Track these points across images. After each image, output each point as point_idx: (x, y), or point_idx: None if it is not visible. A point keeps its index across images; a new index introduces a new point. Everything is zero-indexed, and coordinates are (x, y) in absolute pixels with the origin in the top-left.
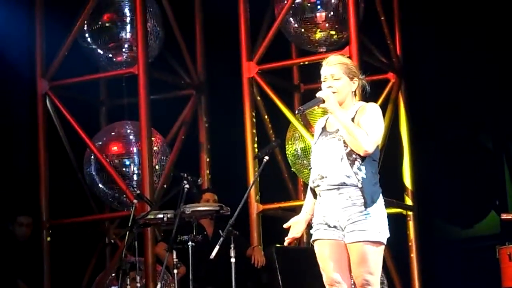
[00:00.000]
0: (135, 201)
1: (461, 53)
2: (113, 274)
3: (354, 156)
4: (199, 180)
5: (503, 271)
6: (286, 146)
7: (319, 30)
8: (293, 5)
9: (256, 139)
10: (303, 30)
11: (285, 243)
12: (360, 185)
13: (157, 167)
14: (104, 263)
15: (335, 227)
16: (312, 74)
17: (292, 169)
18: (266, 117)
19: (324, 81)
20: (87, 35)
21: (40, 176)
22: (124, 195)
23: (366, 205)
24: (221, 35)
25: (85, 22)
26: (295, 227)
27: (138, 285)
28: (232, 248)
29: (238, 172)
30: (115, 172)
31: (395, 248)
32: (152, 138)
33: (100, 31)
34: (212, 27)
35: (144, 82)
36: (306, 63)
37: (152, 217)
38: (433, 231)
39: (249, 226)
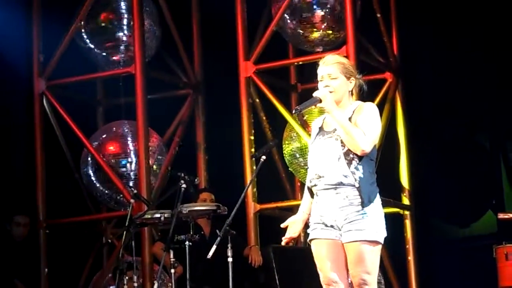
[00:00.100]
0: (132, 200)
1: (458, 53)
2: (110, 274)
3: (351, 155)
4: (196, 180)
5: (500, 270)
6: (283, 146)
7: (316, 29)
8: (290, 4)
9: (253, 138)
10: (300, 29)
11: (283, 243)
12: (357, 185)
13: (154, 166)
14: (101, 263)
15: (332, 226)
16: (309, 74)
17: (289, 168)
18: (263, 116)
19: (321, 80)
20: (84, 34)
21: (37, 175)
22: (121, 195)
23: (363, 204)
24: (218, 34)
25: (82, 21)
26: (292, 227)
27: (135, 284)
28: (229, 247)
29: (235, 172)
30: (112, 171)
31: (392, 248)
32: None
33: (97, 31)
34: (209, 27)
35: (141, 82)
36: (303, 62)
37: (149, 216)
38: (430, 230)
39: (246, 226)
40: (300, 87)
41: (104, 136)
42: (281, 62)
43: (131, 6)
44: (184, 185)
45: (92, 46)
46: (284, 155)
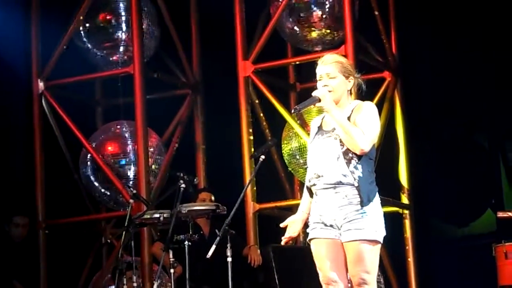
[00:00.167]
0: (131, 200)
1: (457, 53)
2: (109, 274)
3: (350, 155)
4: (195, 180)
5: (500, 269)
6: (282, 146)
7: (314, 29)
8: (288, 4)
9: (252, 138)
10: (298, 29)
11: (282, 243)
12: (356, 184)
13: (153, 166)
14: (101, 263)
15: (331, 226)
16: (308, 73)
17: (288, 168)
18: (262, 116)
19: (319, 80)
20: (82, 35)
21: (36, 176)
22: (120, 195)
23: (363, 204)
24: (216, 34)
25: (81, 22)
26: (291, 227)
27: (135, 284)
28: (229, 247)
29: (234, 172)
30: (111, 172)
31: (392, 247)
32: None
33: (95, 31)
34: (207, 27)
35: (139, 82)
36: (302, 62)
37: (149, 216)
38: (430, 229)
39: (246, 226)
40: (299, 87)
41: (103, 136)
42: (280, 61)
43: (130, 6)
44: (183, 185)
45: (90, 46)
46: (283, 154)
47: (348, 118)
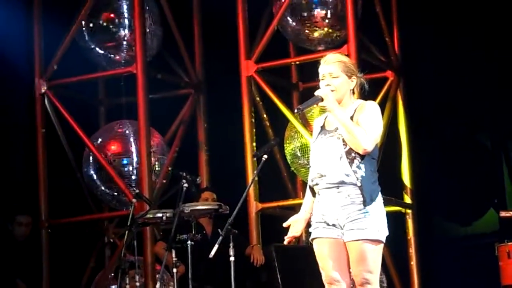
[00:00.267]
0: (134, 200)
1: (460, 52)
2: (112, 274)
3: (353, 154)
4: (198, 179)
5: (502, 268)
6: (284, 145)
7: (317, 28)
8: (291, 3)
9: (254, 137)
10: (301, 28)
11: (285, 242)
12: (359, 184)
13: (156, 166)
14: (103, 263)
15: (334, 225)
16: (311, 73)
17: (291, 168)
18: (264, 115)
19: (322, 79)
20: (85, 34)
21: (39, 175)
22: (123, 194)
23: (365, 203)
24: (219, 33)
25: (84, 21)
26: (294, 226)
27: (138, 284)
28: (231, 247)
29: (237, 171)
30: (113, 171)
31: (394, 246)
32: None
33: (98, 30)
34: (210, 26)
35: (142, 81)
36: (304, 61)
37: (151, 216)
38: (432, 229)
39: (248, 225)
40: (301, 86)
41: (105, 135)
42: (283, 61)
43: (132, 6)
44: (186, 185)
45: (93, 46)
46: (285, 154)
47: (351, 118)
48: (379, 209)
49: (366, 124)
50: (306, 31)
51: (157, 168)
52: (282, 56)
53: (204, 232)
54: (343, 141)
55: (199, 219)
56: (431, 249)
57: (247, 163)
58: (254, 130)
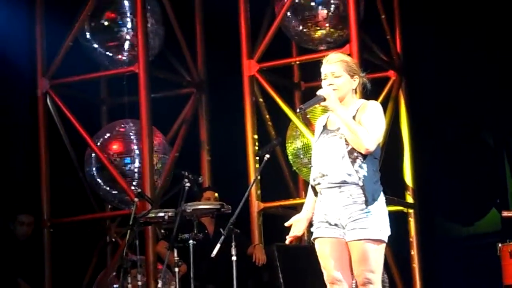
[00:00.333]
0: (136, 199)
1: (461, 52)
2: (114, 273)
3: (355, 154)
4: (200, 179)
5: (504, 268)
6: (286, 145)
7: (319, 28)
8: (293, 3)
9: (256, 137)
10: (303, 28)
11: (287, 242)
12: (361, 183)
13: (158, 165)
14: (105, 262)
15: (336, 225)
16: (313, 72)
17: (292, 167)
18: (266, 115)
19: (324, 79)
20: (87, 33)
21: (41, 174)
22: (125, 194)
23: (367, 203)
24: (221, 33)
25: (86, 20)
26: (296, 226)
27: (139, 283)
28: (233, 246)
29: (239, 170)
30: (116, 170)
31: (396, 246)
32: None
33: (100, 30)
34: (212, 25)
35: (144, 81)
36: (307, 61)
37: (153, 215)
38: (434, 228)
39: (250, 224)
40: (303, 86)
41: (107, 135)
42: (285, 60)
43: (135, 5)
44: (188, 184)
45: (95, 45)
46: (287, 154)
47: (353, 117)
48: (381, 208)
49: (369, 124)
50: (308, 30)
51: (159, 167)
52: (284, 55)
53: (206, 231)
54: (345, 140)
55: (201, 218)
56: (433, 249)
57: (249, 162)
58: (256, 130)
